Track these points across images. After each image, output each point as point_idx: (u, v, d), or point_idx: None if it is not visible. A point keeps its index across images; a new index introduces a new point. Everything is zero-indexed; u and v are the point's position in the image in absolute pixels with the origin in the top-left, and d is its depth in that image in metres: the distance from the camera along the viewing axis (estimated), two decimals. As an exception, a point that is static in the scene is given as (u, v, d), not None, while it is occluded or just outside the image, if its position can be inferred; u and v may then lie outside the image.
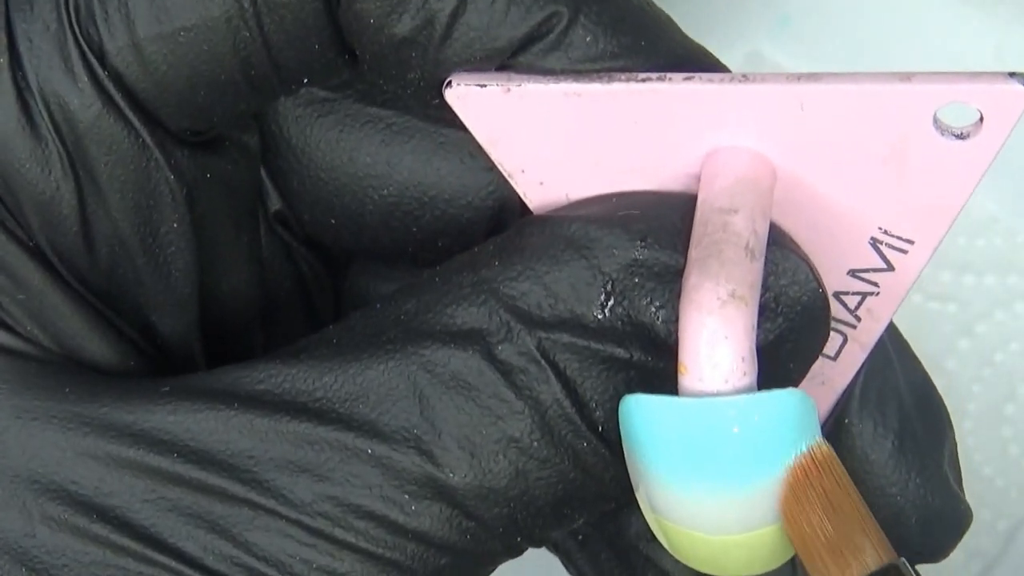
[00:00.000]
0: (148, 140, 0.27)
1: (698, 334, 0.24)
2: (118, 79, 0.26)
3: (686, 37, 0.27)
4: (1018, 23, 0.54)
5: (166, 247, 0.28)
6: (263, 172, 0.30)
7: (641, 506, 0.26)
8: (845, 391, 0.28)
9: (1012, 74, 0.25)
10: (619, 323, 0.25)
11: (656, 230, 0.25)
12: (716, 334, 0.24)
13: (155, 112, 0.27)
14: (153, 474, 0.25)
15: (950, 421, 0.30)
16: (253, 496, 0.25)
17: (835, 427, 0.28)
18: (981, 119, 0.25)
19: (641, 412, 0.24)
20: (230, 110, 0.27)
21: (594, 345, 0.25)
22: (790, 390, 0.24)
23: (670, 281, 0.25)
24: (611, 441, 0.25)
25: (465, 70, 0.26)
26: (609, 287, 0.25)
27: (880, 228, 0.26)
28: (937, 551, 0.30)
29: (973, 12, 0.54)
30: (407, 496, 0.25)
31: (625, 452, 0.25)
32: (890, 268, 0.27)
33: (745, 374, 0.24)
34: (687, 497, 0.24)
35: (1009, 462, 0.53)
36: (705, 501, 0.24)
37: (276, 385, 0.26)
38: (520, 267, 0.26)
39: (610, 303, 0.25)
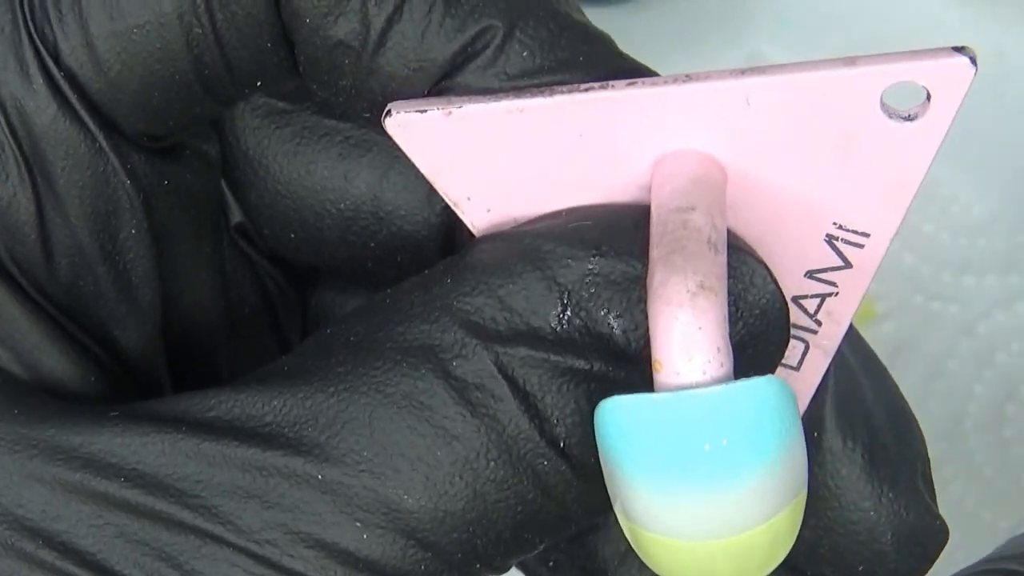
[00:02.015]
0: (104, 144, 0.26)
1: (671, 328, 0.23)
2: (72, 80, 0.26)
3: (625, 54, 0.26)
4: (1018, 23, 0.54)
5: (125, 253, 0.27)
6: (224, 185, 0.30)
7: (620, 522, 0.25)
8: (811, 403, 0.28)
9: (956, 48, 0.24)
10: (577, 334, 0.25)
11: (611, 239, 0.25)
12: (689, 326, 0.23)
13: (110, 114, 0.26)
14: (100, 499, 0.25)
15: (922, 437, 0.30)
16: (200, 522, 0.25)
17: (807, 441, 0.28)
18: (928, 97, 0.24)
19: (616, 415, 0.24)
20: (186, 113, 0.27)
21: (553, 357, 0.24)
22: (769, 377, 0.23)
23: (628, 289, 0.24)
24: (573, 458, 0.25)
25: (402, 99, 0.25)
26: (565, 298, 0.24)
27: (835, 223, 0.26)
28: (914, 567, 0.29)
29: (973, 12, 0.54)
30: (359, 524, 0.24)
31: (602, 463, 0.25)
32: (848, 265, 0.26)
33: (722, 364, 0.23)
34: (670, 502, 0.24)
35: (1010, 463, 0.53)
36: (689, 504, 0.24)
37: (226, 411, 0.25)
38: (473, 282, 0.25)
39: (567, 314, 0.24)
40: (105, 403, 0.27)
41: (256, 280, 0.31)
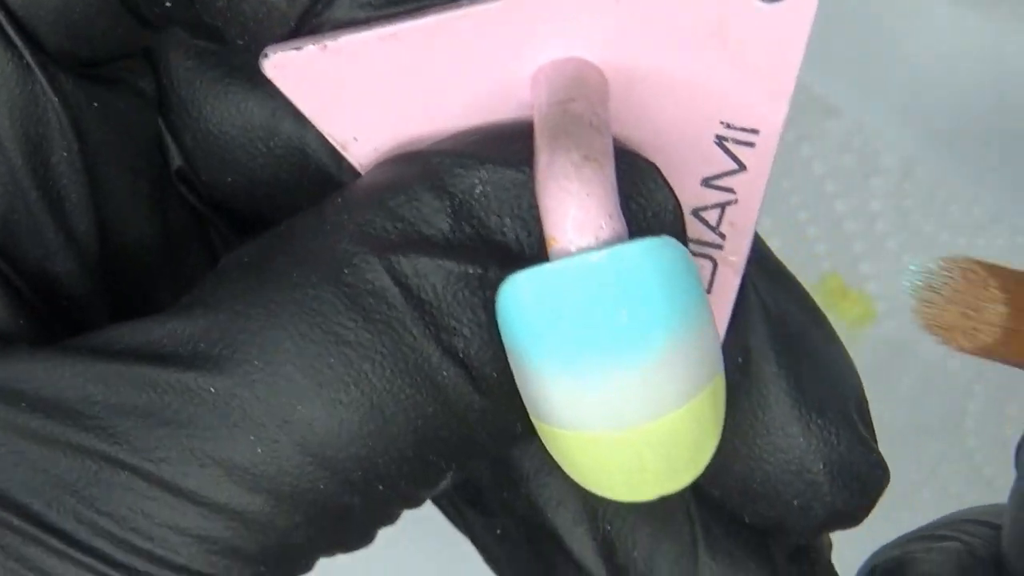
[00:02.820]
0: (30, 60, 0.26)
1: (560, 200, 0.23)
2: None
3: None
4: (1018, 23, 0.54)
5: (59, 179, 0.27)
6: (165, 131, 0.30)
7: (539, 433, 0.24)
8: (732, 329, 0.27)
9: None
10: (470, 241, 0.24)
11: (498, 148, 0.25)
12: (578, 195, 0.23)
13: (33, 31, 0.26)
14: (4, 426, 0.25)
15: (856, 374, 0.29)
16: (96, 443, 0.24)
17: (731, 367, 0.27)
18: None
19: (513, 293, 0.23)
20: (109, 34, 0.27)
21: (447, 264, 0.24)
22: (665, 237, 0.23)
23: (519, 196, 0.24)
24: (473, 369, 0.24)
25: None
26: (457, 206, 0.24)
27: (722, 123, 0.25)
28: (852, 503, 0.28)
29: (973, 12, 0.54)
30: (252, 437, 0.24)
31: (510, 360, 0.24)
32: (742, 167, 0.26)
33: (615, 231, 0.23)
34: (580, 384, 0.23)
35: (1010, 463, 0.53)
36: (600, 383, 0.23)
37: (129, 340, 0.25)
38: (363, 198, 0.25)
39: (460, 223, 0.24)
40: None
41: (199, 229, 0.30)
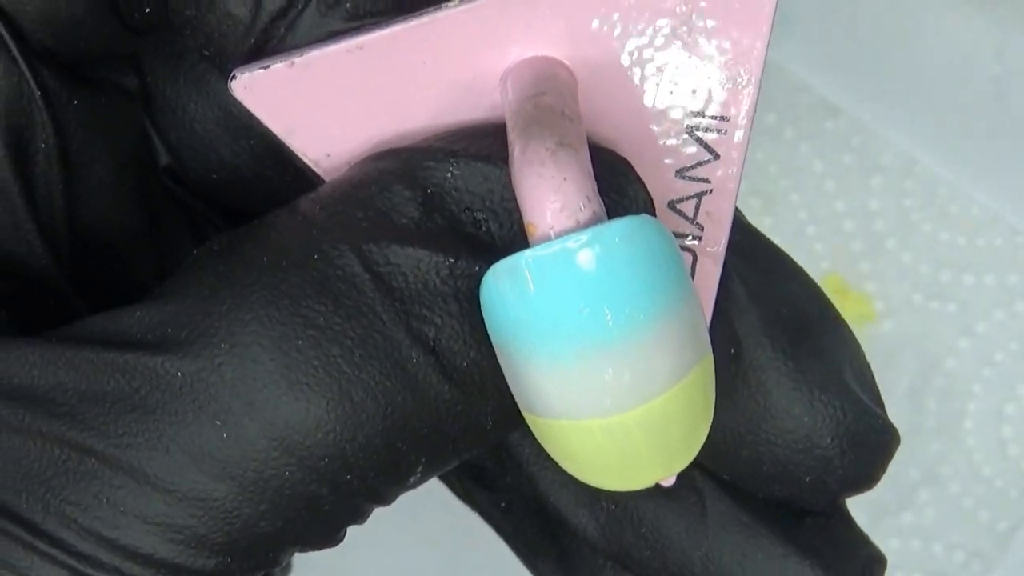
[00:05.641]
0: (16, 53, 0.26)
1: (536, 186, 0.23)
2: None
3: None
4: (1018, 23, 0.54)
5: (34, 167, 0.26)
6: (152, 129, 0.29)
7: (531, 426, 0.24)
8: (718, 319, 0.27)
9: None
10: (442, 233, 0.24)
11: (470, 143, 0.25)
12: (554, 179, 0.23)
13: (16, 21, 0.26)
14: None
15: (852, 336, 0.29)
16: (65, 431, 0.24)
17: (723, 358, 0.27)
18: None
19: (495, 284, 0.23)
20: (93, 37, 0.26)
21: (419, 252, 0.24)
22: (644, 215, 0.23)
23: (490, 190, 0.24)
24: (443, 358, 0.24)
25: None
26: (428, 198, 0.24)
27: (692, 112, 0.25)
28: (864, 472, 0.28)
29: (973, 12, 0.54)
30: (218, 422, 0.23)
31: (497, 354, 0.24)
32: (715, 156, 0.26)
33: (595, 212, 0.23)
34: (569, 370, 0.23)
35: (1009, 462, 0.53)
36: (589, 368, 0.23)
37: (100, 330, 0.25)
38: (336, 192, 0.25)
39: (432, 213, 0.24)
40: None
41: (192, 224, 0.30)
